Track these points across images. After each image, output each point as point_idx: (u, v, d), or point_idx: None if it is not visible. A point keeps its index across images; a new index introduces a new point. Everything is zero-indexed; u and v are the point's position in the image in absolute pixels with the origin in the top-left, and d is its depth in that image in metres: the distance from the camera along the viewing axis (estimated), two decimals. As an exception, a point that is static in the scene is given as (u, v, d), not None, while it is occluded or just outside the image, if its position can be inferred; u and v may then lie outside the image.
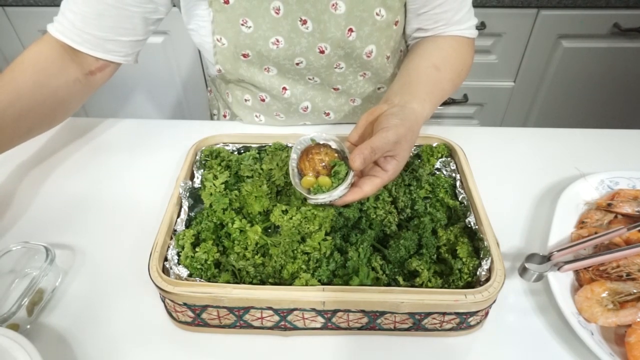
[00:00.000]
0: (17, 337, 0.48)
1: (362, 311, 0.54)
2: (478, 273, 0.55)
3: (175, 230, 0.60)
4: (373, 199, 0.62)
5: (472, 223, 0.60)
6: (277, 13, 0.72)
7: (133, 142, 0.88)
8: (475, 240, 0.59)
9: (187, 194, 0.64)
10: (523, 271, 0.58)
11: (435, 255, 0.59)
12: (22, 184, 0.78)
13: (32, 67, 0.71)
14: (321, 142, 0.60)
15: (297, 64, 0.78)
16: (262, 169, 0.68)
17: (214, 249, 0.58)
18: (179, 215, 0.62)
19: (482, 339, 0.57)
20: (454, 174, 0.69)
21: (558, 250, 0.60)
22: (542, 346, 0.56)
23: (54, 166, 0.82)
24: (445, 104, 1.62)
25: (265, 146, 0.73)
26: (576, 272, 0.62)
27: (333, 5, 0.72)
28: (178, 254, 0.57)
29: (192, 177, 0.68)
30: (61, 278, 0.63)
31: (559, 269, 0.58)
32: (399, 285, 0.56)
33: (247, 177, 0.67)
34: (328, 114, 0.89)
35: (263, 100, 0.86)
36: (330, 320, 0.55)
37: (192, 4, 0.74)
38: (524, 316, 0.59)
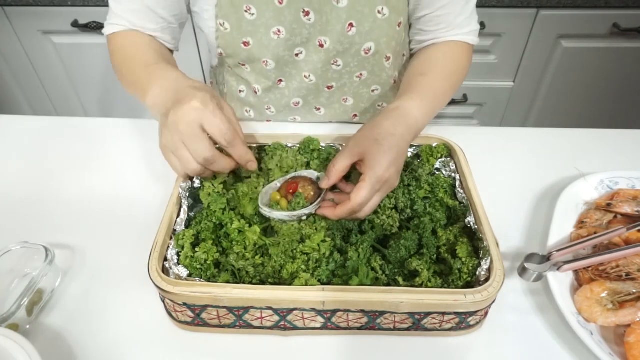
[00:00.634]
0: (17, 337, 0.48)
1: (362, 311, 0.54)
2: (478, 273, 0.55)
3: (175, 230, 0.60)
4: None
5: (471, 223, 0.60)
6: (281, 3, 0.73)
7: (133, 141, 0.88)
8: (474, 240, 0.59)
9: (187, 194, 0.64)
10: (522, 271, 0.58)
11: (435, 255, 0.59)
12: (22, 183, 0.78)
13: (139, 39, 0.76)
14: (308, 177, 0.66)
15: (297, 54, 0.79)
16: (260, 169, 0.68)
17: (213, 249, 0.58)
18: (178, 215, 0.62)
19: (482, 338, 0.57)
20: (453, 174, 0.69)
21: (557, 250, 0.60)
22: (541, 346, 0.56)
23: (54, 166, 0.82)
24: (445, 104, 1.62)
25: (265, 146, 0.73)
26: (576, 272, 0.62)
27: None
28: (178, 254, 0.57)
29: (191, 177, 0.68)
30: (61, 278, 0.63)
31: (558, 269, 0.58)
32: (399, 285, 0.56)
33: (246, 177, 0.67)
34: (319, 109, 0.90)
35: (256, 92, 0.87)
36: (330, 320, 0.55)
37: None
38: (524, 316, 0.59)
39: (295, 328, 0.56)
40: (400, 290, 0.52)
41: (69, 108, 1.71)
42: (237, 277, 0.57)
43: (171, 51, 0.82)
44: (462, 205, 0.64)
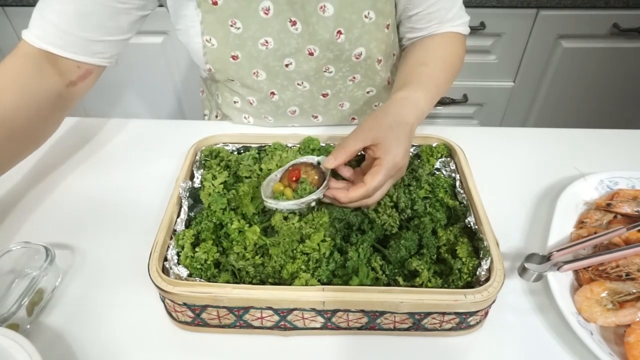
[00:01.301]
0: (17, 337, 0.48)
1: (362, 311, 0.54)
2: (478, 273, 0.55)
3: (175, 230, 0.60)
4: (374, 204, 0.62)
5: (471, 223, 0.60)
6: (267, 14, 0.72)
7: (133, 142, 0.88)
8: (475, 240, 0.59)
9: (187, 194, 0.64)
10: (523, 271, 0.58)
11: (435, 255, 0.59)
12: (22, 184, 0.78)
13: (9, 88, 0.65)
14: (309, 162, 0.65)
15: (287, 65, 0.78)
16: (260, 169, 0.68)
17: (213, 249, 0.58)
18: (178, 215, 0.62)
19: (482, 338, 0.57)
20: (453, 174, 0.69)
21: (557, 250, 0.60)
22: (541, 346, 0.56)
23: (54, 166, 0.82)
24: (444, 104, 1.62)
25: (265, 146, 0.73)
26: (576, 272, 0.62)
27: (321, 7, 0.71)
28: (178, 254, 0.57)
29: (192, 177, 0.68)
30: (61, 278, 0.63)
31: (558, 269, 0.58)
32: (399, 285, 0.56)
33: (246, 177, 0.67)
34: (316, 117, 0.89)
35: (251, 103, 0.86)
36: (330, 320, 0.55)
37: (179, 4, 0.73)
38: (524, 316, 0.59)
39: (295, 328, 0.56)
40: (400, 290, 0.52)
41: (70, 112, 1.71)
42: (237, 277, 0.57)
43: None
44: (462, 205, 0.64)
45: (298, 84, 0.82)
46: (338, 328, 0.57)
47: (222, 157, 0.71)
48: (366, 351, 0.56)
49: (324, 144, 0.73)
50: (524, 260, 0.59)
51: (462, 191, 0.65)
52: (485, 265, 0.54)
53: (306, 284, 0.54)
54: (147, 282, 0.53)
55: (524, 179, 0.79)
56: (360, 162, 0.67)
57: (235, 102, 0.89)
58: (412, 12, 0.78)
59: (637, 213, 0.67)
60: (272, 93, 0.83)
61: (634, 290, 0.57)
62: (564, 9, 1.36)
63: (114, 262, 0.65)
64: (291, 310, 0.54)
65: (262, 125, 0.91)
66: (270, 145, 0.72)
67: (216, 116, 1.00)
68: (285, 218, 0.61)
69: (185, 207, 0.63)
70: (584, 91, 1.59)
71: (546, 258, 0.59)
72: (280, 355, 0.56)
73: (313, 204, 0.61)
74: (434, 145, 0.73)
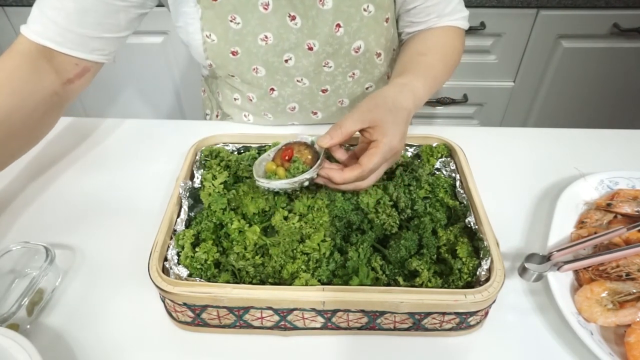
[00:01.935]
0: (17, 337, 0.48)
1: (362, 311, 0.54)
2: (478, 273, 0.55)
3: (175, 230, 0.60)
4: (374, 204, 0.62)
5: (471, 223, 0.60)
6: (266, 9, 0.72)
7: (133, 142, 0.88)
8: (475, 240, 0.59)
9: (187, 194, 0.64)
10: (523, 271, 0.58)
11: (435, 255, 0.59)
12: (22, 184, 0.78)
13: (5, 88, 0.65)
14: (303, 141, 0.63)
15: (286, 60, 0.78)
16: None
17: (213, 249, 0.58)
18: (178, 215, 0.62)
19: (482, 338, 0.57)
20: (453, 174, 0.69)
21: (558, 250, 0.60)
22: (541, 346, 0.56)
23: (54, 166, 0.82)
24: (444, 104, 1.62)
25: (265, 146, 0.73)
26: (576, 272, 0.62)
27: (320, 0, 0.72)
28: (178, 254, 0.57)
29: (192, 177, 0.68)
30: (61, 278, 0.63)
31: (558, 269, 0.58)
32: (399, 285, 0.56)
33: (246, 177, 0.67)
34: (316, 113, 0.89)
35: (251, 100, 0.86)
36: (330, 320, 0.55)
37: (179, 1, 0.73)
38: (524, 316, 0.59)
39: (295, 328, 0.56)
40: (400, 290, 0.52)
41: (69, 108, 1.70)
42: (237, 277, 0.57)
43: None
44: (462, 205, 0.64)
45: (297, 80, 0.82)
46: (338, 328, 0.57)
47: (222, 157, 0.71)
48: (366, 351, 0.56)
49: None
50: (524, 260, 0.59)
51: (462, 191, 0.65)
52: (485, 265, 0.54)
53: (306, 284, 0.54)
54: (147, 282, 0.53)
55: (524, 179, 0.79)
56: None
57: (235, 99, 0.89)
58: (410, 6, 0.79)
59: (637, 213, 0.67)
60: (272, 89, 0.83)
61: (634, 290, 0.57)
62: (564, 9, 1.36)
63: (114, 262, 0.65)
64: (291, 310, 0.54)
65: (261, 123, 0.91)
66: (270, 145, 0.72)
67: (217, 115, 1.00)
68: (286, 218, 0.61)
69: (185, 207, 0.63)
70: (584, 91, 1.59)
71: (546, 258, 0.59)
72: (280, 355, 0.56)
73: (306, 183, 0.60)
74: (434, 145, 0.73)
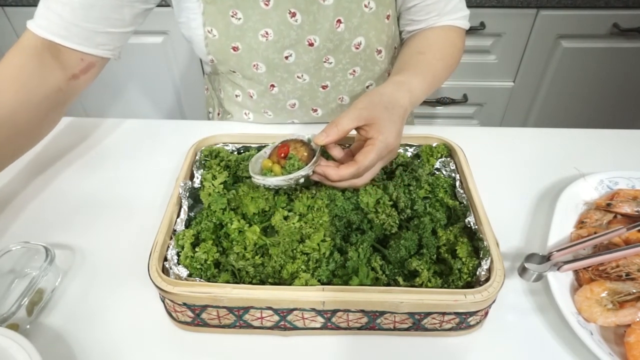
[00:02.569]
0: (17, 337, 0.48)
1: (362, 311, 0.54)
2: (478, 273, 0.55)
3: (175, 230, 0.60)
4: (374, 203, 0.62)
5: (471, 223, 0.60)
6: (267, 5, 0.73)
7: (133, 142, 0.88)
8: (474, 240, 0.59)
9: (187, 194, 0.64)
10: (522, 271, 0.58)
11: (435, 255, 0.59)
12: (22, 183, 0.78)
13: (11, 84, 0.65)
14: (299, 139, 0.63)
15: (286, 57, 0.78)
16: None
17: (213, 249, 0.58)
18: (178, 215, 0.62)
19: (482, 338, 0.57)
20: (453, 174, 0.69)
21: (557, 250, 0.60)
22: (541, 346, 0.56)
23: (54, 166, 0.82)
24: (444, 104, 1.62)
25: (264, 146, 0.73)
26: (576, 272, 0.62)
27: None
28: (178, 254, 0.57)
29: (192, 177, 0.68)
30: (61, 278, 0.63)
31: (558, 269, 0.58)
32: (399, 285, 0.56)
33: (246, 177, 0.67)
34: (316, 110, 0.90)
35: (251, 96, 0.87)
36: (330, 320, 0.55)
37: None
38: (524, 316, 0.59)
39: (295, 328, 0.56)
40: (400, 290, 0.52)
41: (69, 108, 1.71)
42: (237, 277, 0.57)
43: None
44: (462, 205, 0.64)
45: (298, 77, 0.82)
46: (338, 328, 0.57)
47: (222, 157, 0.71)
48: (366, 351, 0.56)
49: None
50: (524, 260, 0.59)
51: (462, 191, 0.65)
52: (485, 265, 0.54)
53: (306, 284, 0.54)
54: (147, 282, 0.53)
55: (524, 179, 0.79)
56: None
57: (237, 95, 0.89)
58: (410, 4, 0.79)
59: (637, 213, 0.67)
60: (272, 85, 0.83)
61: (634, 290, 0.57)
62: (564, 9, 1.36)
63: (114, 262, 0.65)
64: (291, 310, 0.54)
65: (261, 121, 0.91)
66: (269, 145, 0.72)
67: (218, 114, 1.00)
68: (285, 218, 0.61)
69: (185, 207, 0.63)
70: (584, 91, 1.59)
71: (546, 258, 0.59)
72: (280, 355, 0.56)
73: (301, 180, 0.60)
74: (434, 145, 0.73)
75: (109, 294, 0.62)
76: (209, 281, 0.56)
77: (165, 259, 0.57)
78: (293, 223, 0.60)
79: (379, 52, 0.82)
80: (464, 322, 0.55)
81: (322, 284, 0.55)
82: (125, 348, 0.56)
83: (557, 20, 1.39)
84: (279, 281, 0.57)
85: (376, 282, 0.57)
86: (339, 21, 0.75)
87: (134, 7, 0.72)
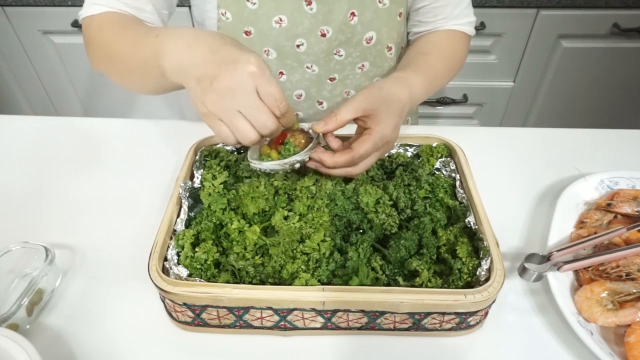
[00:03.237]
0: (17, 337, 0.48)
1: (362, 311, 0.54)
2: (478, 273, 0.55)
3: (175, 230, 0.60)
4: (373, 203, 0.62)
5: (471, 223, 0.60)
6: None
7: (133, 142, 0.88)
8: (474, 240, 0.59)
9: (187, 194, 0.64)
10: (523, 271, 0.58)
11: (435, 255, 0.59)
12: (22, 183, 0.78)
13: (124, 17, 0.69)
14: (299, 128, 0.64)
15: (298, 46, 0.79)
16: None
17: (213, 249, 0.58)
18: (178, 215, 0.62)
19: (482, 338, 0.57)
20: (453, 174, 0.69)
21: (558, 250, 0.60)
22: (541, 346, 0.56)
23: (54, 166, 0.82)
24: (444, 104, 1.62)
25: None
26: (576, 272, 0.62)
27: None
28: (178, 254, 0.57)
29: (192, 177, 0.68)
30: (61, 278, 0.63)
31: (558, 269, 0.58)
32: (399, 285, 0.56)
33: (246, 177, 0.67)
34: (321, 103, 0.90)
35: None
36: (330, 320, 0.55)
37: None
38: (524, 316, 0.59)
39: (295, 328, 0.56)
40: (400, 290, 0.52)
41: (69, 108, 1.71)
42: (237, 277, 0.57)
43: None
44: (462, 205, 0.64)
45: (307, 67, 0.83)
46: (338, 328, 0.57)
47: (222, 157, 0.71)
48: (366, 351, 0.56)
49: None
50: (524, 260, 0.59)
51: (462, 191, 0.65)
52: (485, 265, 0.54)
53: (306, 284, 0.54)
54: (147, 282, 0.53)
55: (524, 179, 0.79)
56: None
57: None
58: (419, 5, 0.80)
59: (637, 213, 0.67)
60: (281, 73, 0.84)
61: (634, 290, 0.57)
62: (564, 8, 1.36)
63: (114, 263, 0.65)
64: (291, 310, 0.54)
65: None
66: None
67: None
68: (286, 218, 0.61)
69: (185, 207, 0.63)
70: (584, 91, 1.59)
71: (546, 258, 0.59)
72: (280, 355, 0.56)
73: (297, 165, 0.60)
74: (434, 145, 0.73)
75: (109, 294, 0.62)
76: (209, 281, 0.56)
77: (165, 259, 0.57)
78: (293, 223, 0.60)
79: (389, 49, 0.83)
80: (464, 322, 0.55)
81: (322, 284, 0.55)
82: (125, 348, 0.56)
83: (557, 20, 1.39)
84: (279, 281, 0.57)
85: (376, 282, 0.57)
86: (352, 14, 0.76)
87: None
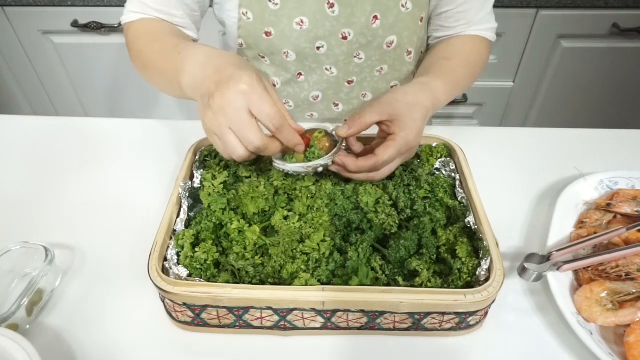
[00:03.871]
0: (17, 337, 0.48)
1: (362, 311, 0.54)
2: (477, 273, 0.55)
3: (174, 230, 0.60)
4: (373, 203, 0.62)
5: (471, 223, 0.60)
6: None
7: (133, 142, 0.88)
8: (474, 240, 0.59)
9: (187, 194, 0.64)
10: (522, 271, 0.58)
11: (435, 255, 0.59)
12: (22, 183, 0.78)
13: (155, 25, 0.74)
14: (323, 130, 0.64)
15: (318, 48, 0.79)
16: (260, 169, 0.69)
17: (213, 249, 0.58)
18: (178, 215, 0.62)
19: (482, 338, 0.57)
20: (453, 174, 0.69)
21: (557, 250, 0.60)
22: (541, 346, 0.56)
23: (54, 166, 0.82)
24: (445, 104, 1.62)
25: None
26: (575, 272, 0.62)
27: None
28: (178, 254, 0.57)
29: (192, 177, 0.68)
30: (61, 278, 0.63)
31: (558, 269, 0.58)
32: (399, 285, 0.56)
33: (246, 177, 0.67)
34: (337, 105, 0.90)
35: (274, 85, 0.87)
36: (329, 320, 0.55)
37: None
38: (524, 316, 0.59)
39: (295, 328, 0.56)
40: (400, 290, 0.52)
41: (69, 108, 1.71)
42: (237, 277, 0.57)
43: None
44: (462, 205, 0.64)
45: (326, 69, 0.83)
46: (338, 328, 0.57)
47: (222, 157, 0.71)
48: (366, 351, 0.56)
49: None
50: (524, 260, 0.59)
51: (461, 191, 0.65)
52: (485, 265, 0.54)
53: (306, 284, 0.54)
54: (147, 282, 0.53)
55: (524, 179, 0.79)
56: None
57: None
58: (442, 10, 0.80)
59: (637, 213, 0.67)
60: (299, 74, 0.84)
61: (634, 290, 0.57)
62: (564, 9, 1.36)
63: (114, 262, 0.65)
64: (291, 310, 0.54)
65: None
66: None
67: None
68: (285, 218, 0.61)
69: (185, 207, 0.63)
70: (584, 91, 1.59)
71: (546, 258, 0.59)
72: (280, 355, 0.56)
73: (320, 169, 0.61)
74: (434, 145, 0.73)
75: (108, 294, 0.62)
76: (209, 281, 0.56)
77: (165, 259, 0.57)
78: (293, 223, 0.60)
79: (409, 53, 0.83)
80: (463, 322, 0.55)
81: (322, 284, 0.55)
82: (125, 348, 0.56)
83: (557, 20, 1.39)
84: (279, 281, 0.57)
85: (376, 282, 0.57)
86: (375, 17, 0.75)
87: None
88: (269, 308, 0.53)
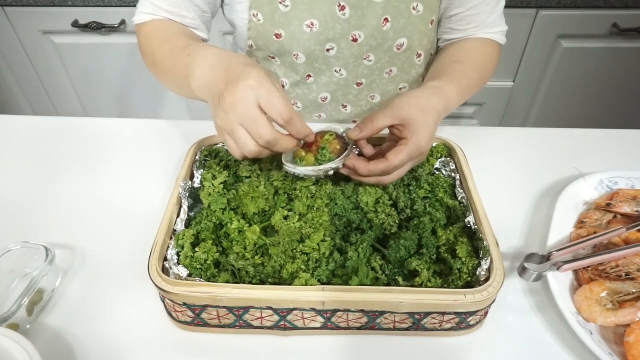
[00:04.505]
0: (17, 337, 0.48)
1: (362, 311, 0.54)
2: (477, 273, 0.55)
3: (175, 230, 0.60)
4: (373, 203, 0.62)
5: (471, 223, 0.60)
6: None
7: (133, 142, 0.88)
8: (474, 240, 0.59)
9: (187, 194, 0.64)
10: (522, 271, 0.58)
11: (435, 255, 0.59)
12: (22, 183, 0.79)
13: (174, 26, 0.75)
14: (334, 132, 0.64)
15: (328, 50, 0.79)
16: (261, 169, 0.69)
17: (213, 249, 0.58)
18: (178, 215, 0.62)
19: (482, 338, 0.57)
20: (453, 174, 0.69)
21: (557, 250, 0.60)
22: (541, 346, 0.56)
23: (54, 166, 0.82)
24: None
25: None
26: (575, 272, 0.62)
27: None
28: (178, 254, 0.57)
29: (192, 177, 0.68)
30: (61, 278, 0.63)
31: (558, 269, 0.58)
32: (399, 285, 0.56)
33: (246, 177, 0.67)
34: (345, 107, 0.90)
35: (283, 86, 0.87)
36: (330, 320, 0.55)
37: None
38: (524, 316, 0.60)
39: (295, 328, 0.57)
40: (400, 290, 0.52)
41: (69, 108, 1.71)
42: (237, 277, 0.57)
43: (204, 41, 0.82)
44: (462, 205, 0.64)
45: (335, 71, 0.83)
46: (338, 328, 0.57)
47: (222, 157, 0.71)
48: (366, 351, 0.56)
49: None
50: (524, 260, 0.59)
51: (462, 191, 0.65)
52: (485, 265, 0.54)
53: (306, 284, 0.54)
54: (147, 282, 0.53)
55: (524, 179, 0.79)
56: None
57: None
58: (453, 12, 0.79)
59: (637, 213, 0.67)
60: (309, 76, 0.84)
61: (634, 290, 0.57)
62: (564, 9, 1.36)
63: (114, 262, 0.65)
64: (291, 310, 0.54)
65: None
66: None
67: None
68: (286, 218, 0.61)
69: (185, 207, 0.63)
70: (584, 91, 1.59)
71: (546, 258, 0.59)
72: (280, 355, 0.56)
73: (331, 172, 0.61)
74: (434, 145, 0.73)
75: (109, 294, 0.62)
76: (209, 281, 0.56)
77: (165, 259, 0.57)
78: (293, 223, 0.60)
79: (419, 55, 0.83)
80: (464, 322, 0.55)
81: (322, 284, 0.55)
82: (125, 348, 0.56)
83: (557, 20, 1.39)
84: (279, 281, 0.57)
85: (376, 282, 0.57)
86: (386, 20, 0.75)
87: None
88: (269, 308, 0.53)
